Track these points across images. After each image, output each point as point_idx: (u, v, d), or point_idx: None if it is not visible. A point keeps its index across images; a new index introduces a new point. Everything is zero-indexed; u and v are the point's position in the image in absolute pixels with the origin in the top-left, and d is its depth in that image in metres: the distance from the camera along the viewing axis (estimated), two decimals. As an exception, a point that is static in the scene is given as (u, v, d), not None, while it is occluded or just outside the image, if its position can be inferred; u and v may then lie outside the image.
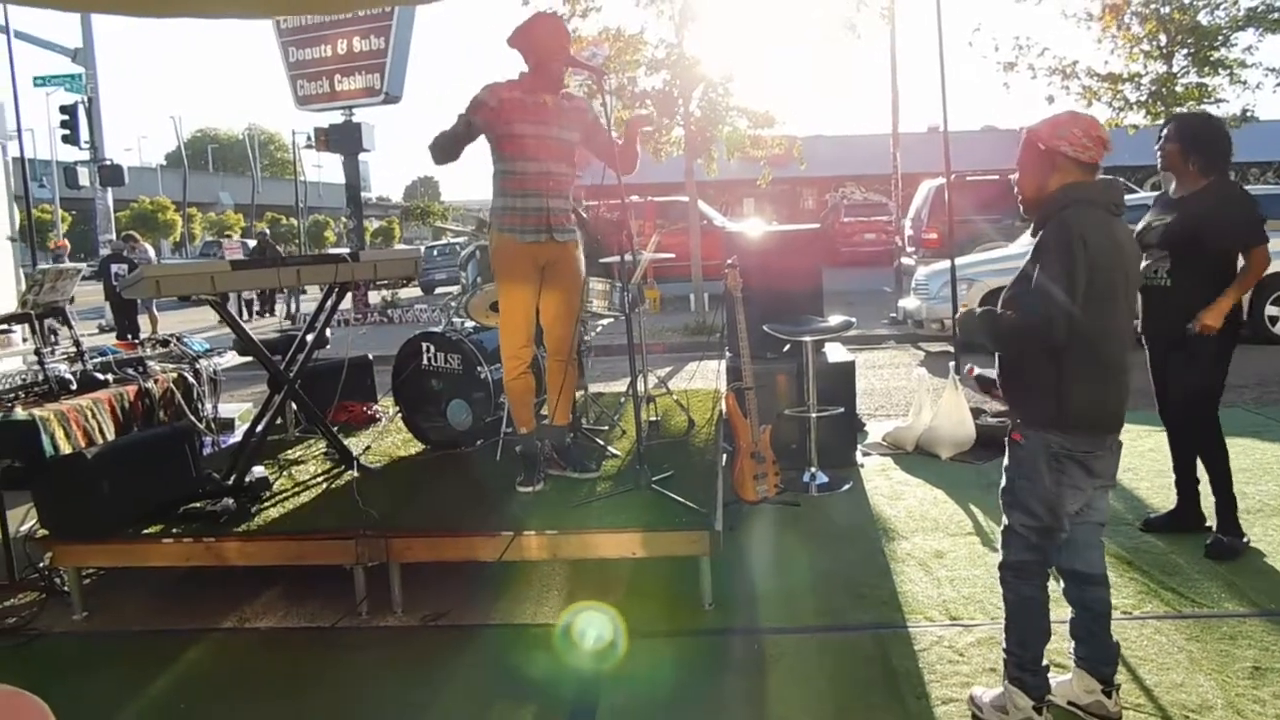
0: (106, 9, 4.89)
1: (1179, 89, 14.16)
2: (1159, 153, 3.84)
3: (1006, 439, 2.60)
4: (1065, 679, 2.67)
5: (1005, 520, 2.62)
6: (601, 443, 4.56)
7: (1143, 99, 14.39)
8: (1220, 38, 14.03)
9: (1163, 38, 14.05)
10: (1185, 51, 14.16)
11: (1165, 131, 3.81)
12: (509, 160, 3.83)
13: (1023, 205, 2.59)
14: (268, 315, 20.08)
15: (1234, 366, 3.87)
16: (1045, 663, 2.61)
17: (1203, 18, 14.10)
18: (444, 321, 5.00)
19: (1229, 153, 3.75)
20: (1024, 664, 2.58)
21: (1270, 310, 9.17)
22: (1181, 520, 4.04)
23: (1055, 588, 2.69)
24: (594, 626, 3.34)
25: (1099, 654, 2.61)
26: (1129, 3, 13.99)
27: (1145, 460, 5.14)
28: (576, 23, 13.26)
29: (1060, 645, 2.77)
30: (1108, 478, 2.56)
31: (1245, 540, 3.83)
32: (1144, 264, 3.84)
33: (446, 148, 3.77)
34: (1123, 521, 4.19)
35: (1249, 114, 14.13)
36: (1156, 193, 4.43)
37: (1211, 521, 4.00)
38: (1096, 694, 2.58)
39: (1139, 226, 3.82)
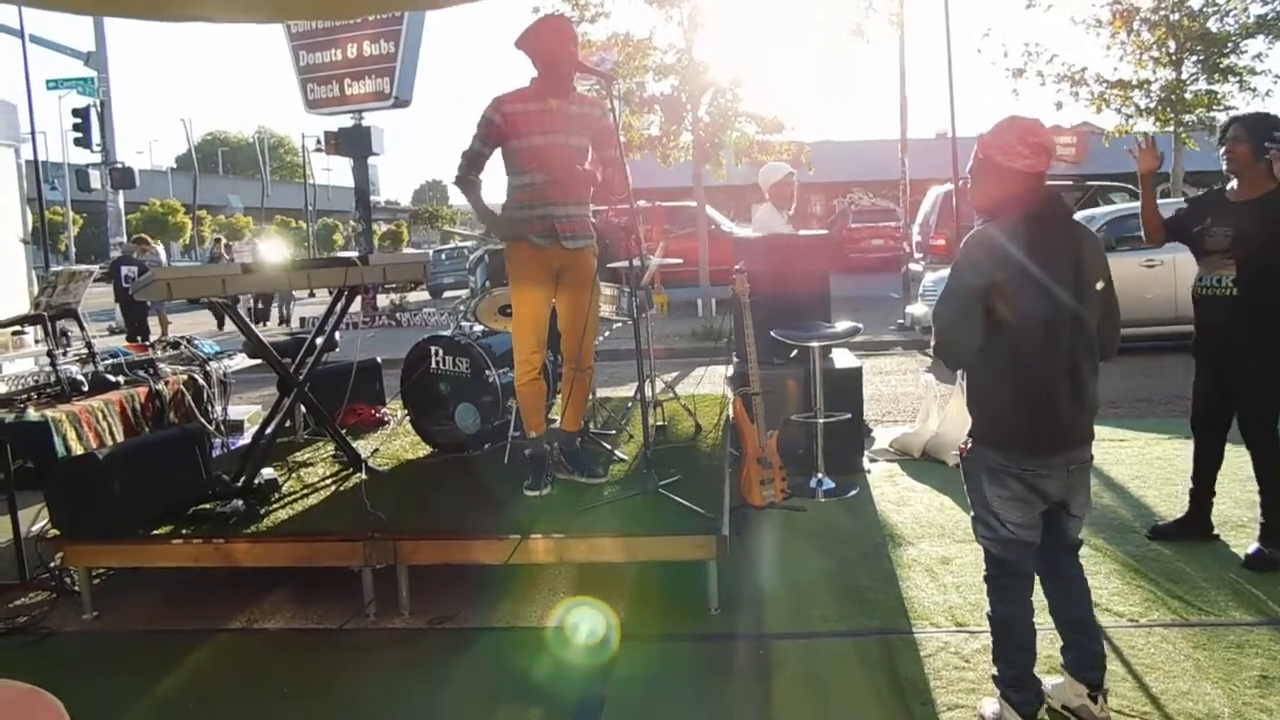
0: (119, 12, 4.95)
1: (1188, 96, 14.14)
2: (1224, 154, 3.74)
3: (956, 453, 2.60)
4: (1060, 682, 2.68)
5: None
6: (609, 447, 4.57)
7: (1152, 106, 14.37)
8: (1230, 44, 14.01)
9: (1172, 44, 14.04)
10: (1195, 58, 14.14)
11: (1231, 132, 3.71)
12: (517, 172, 3.86)
13: (975, 214, 2.53)
14: (264, 324, 19.88)
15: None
16: (1038, 676, 2.62)
17: (1212, 24, 14.08)
18: (452, 325, 5.01)
19: None
20: (1008, 681, 2.59)
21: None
22: (1190, 528, 4.02)
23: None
24: (599, 629, 3.35)
25: (1082, 660, 2.62)
26: (1138, 9, 13.99)
27: (1153, 468, 5.13)
28: (585, 27, 13.33)
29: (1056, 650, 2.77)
30: (1066, 500, 2.48)
31: None
32: (1200, 273, 3.77)
33: (470, 177, 3.89)
34: (1130, 529, 4.18)
35: (1259, 121, 14.07)
36: (1180, 199, 4.34)
37: (1219, 530, 4.01)
38: (1083, 698, 2.59)
39: (1196, 229, 3.75)
